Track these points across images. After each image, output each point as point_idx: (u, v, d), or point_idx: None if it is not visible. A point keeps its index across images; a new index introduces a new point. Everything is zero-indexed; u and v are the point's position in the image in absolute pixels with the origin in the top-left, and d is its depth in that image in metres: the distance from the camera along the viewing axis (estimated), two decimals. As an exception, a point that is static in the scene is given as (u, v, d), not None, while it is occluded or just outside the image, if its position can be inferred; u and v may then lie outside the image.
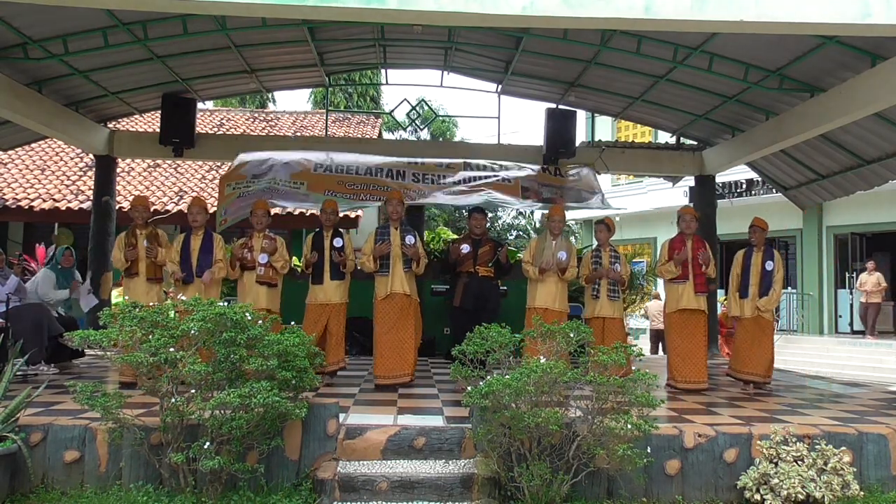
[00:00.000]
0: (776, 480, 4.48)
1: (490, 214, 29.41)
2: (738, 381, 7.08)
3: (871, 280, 14.98)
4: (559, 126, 10.19)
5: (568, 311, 6.91)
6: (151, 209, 7.39)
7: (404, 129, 23.16)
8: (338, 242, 6.74)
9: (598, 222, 7.42)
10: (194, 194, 14.34)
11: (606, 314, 7.02)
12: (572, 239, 25.75)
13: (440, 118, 23.43)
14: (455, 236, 13.23)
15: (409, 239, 6.61)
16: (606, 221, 7.36)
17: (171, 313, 4.72)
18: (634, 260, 17.45)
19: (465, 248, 7.47)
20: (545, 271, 6.75)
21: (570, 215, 22.60)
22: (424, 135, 23.10)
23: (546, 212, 8.00)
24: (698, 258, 6.93)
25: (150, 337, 4.41)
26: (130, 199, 12.64)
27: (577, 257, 7.12)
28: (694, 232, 7.08)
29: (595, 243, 7.46)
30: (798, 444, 4.71)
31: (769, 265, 6.96)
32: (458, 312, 7.19)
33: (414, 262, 6.60)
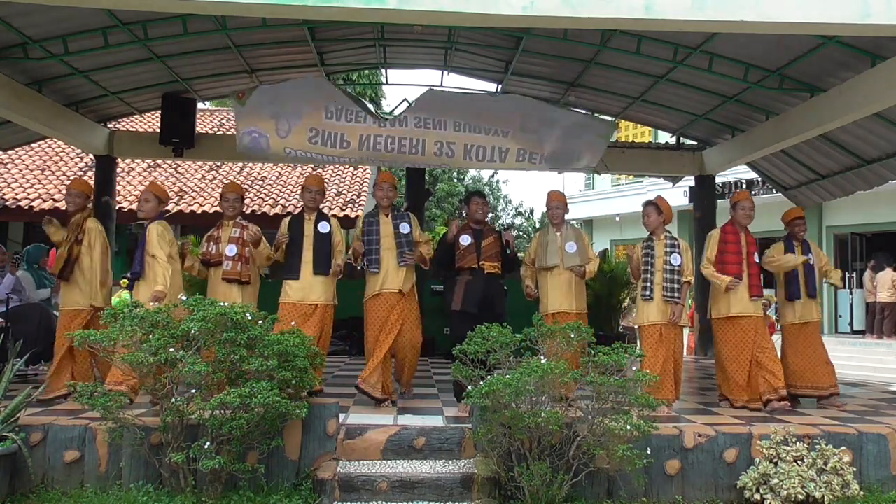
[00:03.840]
0: (776, 480, 4.48)
1: (490, 214, 28.96)
2: (798, 397, 6.32)
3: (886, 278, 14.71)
4: (559, 126, 10.14)
5: (586, 312, 6.06)
6: (88, 196, 6.07)
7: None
8: (323, 227, 5.69)
9: (647, 203, 5.95)
10: (194, 194, 14.35)
11: (663, 321, 5.66)
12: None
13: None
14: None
15: (404, 227, 5.83)
16: (658, 202, 5.93)
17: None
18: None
19: (466, 238, 5.91)
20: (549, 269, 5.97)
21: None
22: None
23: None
24: (753, 255, 5.98)
25: (151, 337, 4.41)
26: (131, 198, 12.72)
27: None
28: (751, 223, 6.10)
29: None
30: (798, 444, 4.71)
31: (811, 259, 6.37)
32: (459, 317, 5.78)
33: (414, 255, 5.84)
